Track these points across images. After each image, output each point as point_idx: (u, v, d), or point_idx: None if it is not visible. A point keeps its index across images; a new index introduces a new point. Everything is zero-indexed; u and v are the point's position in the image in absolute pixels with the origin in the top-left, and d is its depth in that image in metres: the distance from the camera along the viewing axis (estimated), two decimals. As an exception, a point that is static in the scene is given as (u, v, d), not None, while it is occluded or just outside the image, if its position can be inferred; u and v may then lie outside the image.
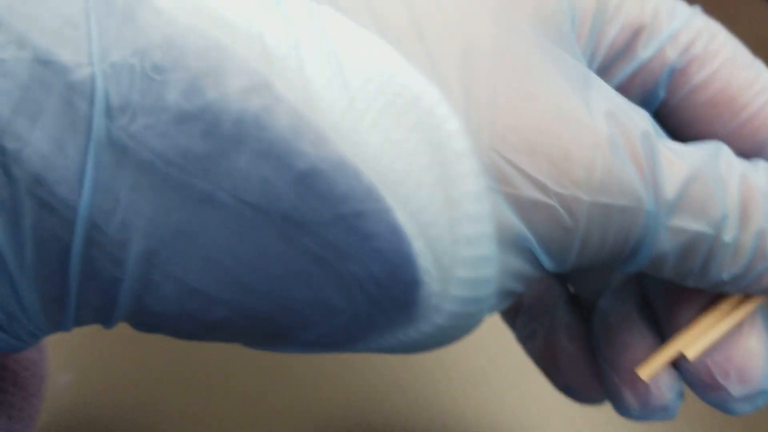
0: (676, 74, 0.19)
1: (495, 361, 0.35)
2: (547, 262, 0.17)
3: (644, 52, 0.19)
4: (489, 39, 0.16)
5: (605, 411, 0.33)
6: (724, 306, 0.20)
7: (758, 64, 0.20)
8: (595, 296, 0.23)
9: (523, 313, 0.23)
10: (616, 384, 0.21)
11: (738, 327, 0.20)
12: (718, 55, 0.19)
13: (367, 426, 0.33)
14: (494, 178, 0.16)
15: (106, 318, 0.16)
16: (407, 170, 0.16)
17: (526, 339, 0.23)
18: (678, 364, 0.20)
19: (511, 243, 0.16)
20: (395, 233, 0.16)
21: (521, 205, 0.16)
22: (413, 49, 0.16)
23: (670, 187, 0.17)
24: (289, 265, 0.16)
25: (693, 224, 0.17)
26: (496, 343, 0.36)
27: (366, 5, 0.16)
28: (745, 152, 0.19)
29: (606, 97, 0.17)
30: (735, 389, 0.19)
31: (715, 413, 0.33)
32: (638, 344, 0.21)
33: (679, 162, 0.17)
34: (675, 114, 0.20)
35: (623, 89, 0.20)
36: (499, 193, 0.16)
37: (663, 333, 0.21)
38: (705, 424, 0.33)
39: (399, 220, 0.16)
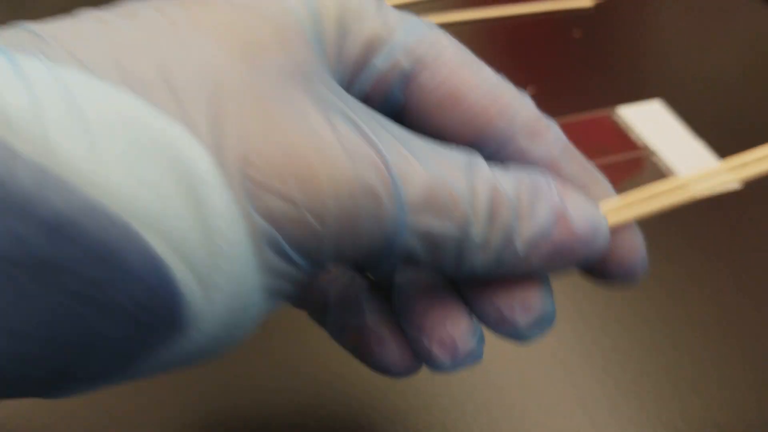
0: (408, 79, 0.22)
1: (495, 360, 0.35)
2: (303, 263, 0.19)
3: (380, 63, 0.22)
4: (237, 79, 0.19)
5: (604, 410, 0.34)
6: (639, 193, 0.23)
7: (479, 64, 0.23)
8: (390, 276, 0.25)
9: (331, 310, 0.25)
10: (425, 345, 0.23)
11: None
12: (441, 58, 0.22)
13: (367, 425, 0.33)
14: (249, 201, 0.18)
15: None
16: (163, 208, 0.17)
17: (338, 333, 0.25)
18: (470, 307, 0.23)
19: (268, 250, 0.19)
20: (152, 261, 0.17)
21: (275, 219, 0.18)
22: (161, 97, 0.18)
23: (412, 192, 0.19)
24: (54, 307, 0.17)
25: (437, 225, 0.20)
26: (495, 343, 0.36)
27: (113, 62, 0.18)
28: (471, 139, 0.22)
29: (350, 115, 0.19)
30: (521, 319, 0.22)
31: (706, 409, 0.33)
32: (438, 304, 0.23)
33: (422, 170, 0.20)
34: (410, 111, 0.23)
35: (367, 97, 0.22)
36: (255, 211, 0.18)
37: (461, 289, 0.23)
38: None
39: (157, 251, 0.17)
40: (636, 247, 0.23)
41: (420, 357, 0.23)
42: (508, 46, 0.53)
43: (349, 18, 0.22)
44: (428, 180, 0.20)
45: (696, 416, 0.33)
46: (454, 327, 0.23)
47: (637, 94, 0.49)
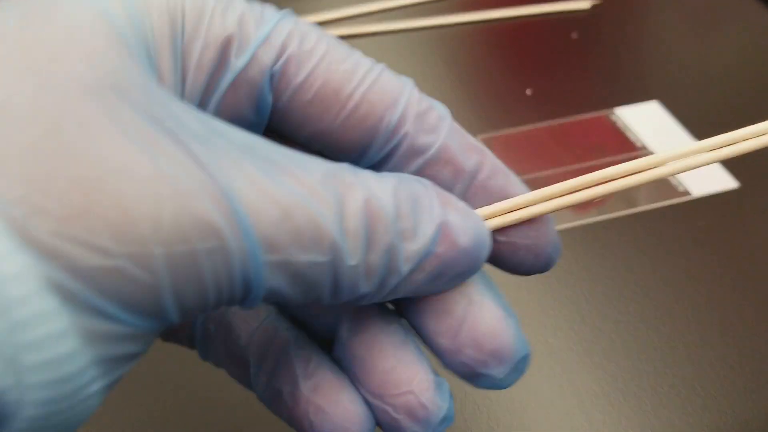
0: (276, 78, 0.20)
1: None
2: (139, 321, 0.16)
3: (238, 61, 0.19)
4: (21, 101, 0.15)
5: (602, 408, 0.34)
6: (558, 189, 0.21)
7: (356, 55, 0.20)
8: (331, 327, 0.22)
9: (257, 370, 0.22)
10: (390, 416, 0.20)
11: (475, 305, 0.20)
12: (313, 52, 0.20)
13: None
14: (50, 259, 0.15)
15: None
16: None
17: (269, 400, 0.22)
18: (441, 363, 0.20)
19: (86, 316, 0.15)
20: None
21: (87, 276, 0.15)
22: None
23: (264, 224, 0.16)
24: None
25: (300, 256, 0.17)
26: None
27: None
28: (359, 141, 0.20)
29: (179, 135, 0.16)
30: (498, 371, 0.20)
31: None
32: (398, 363, 0.20)
33: (275, 194, 0.17)
34: (287, 116, 0.20)
35: (228, 100, 0.20)
36: (59, 270, 0.15)
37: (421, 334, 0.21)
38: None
39: None
40: (548, 236, 0.21)
41: (383, 426, 0.20)
42: (506, 48, 0.53)
43: (191, 19, 0.19)
44: (284, 206, 0.17)
45: (693, 414, 0.33)
46: (422, 392, 0.20)
47: (634, 94, 0.49)
